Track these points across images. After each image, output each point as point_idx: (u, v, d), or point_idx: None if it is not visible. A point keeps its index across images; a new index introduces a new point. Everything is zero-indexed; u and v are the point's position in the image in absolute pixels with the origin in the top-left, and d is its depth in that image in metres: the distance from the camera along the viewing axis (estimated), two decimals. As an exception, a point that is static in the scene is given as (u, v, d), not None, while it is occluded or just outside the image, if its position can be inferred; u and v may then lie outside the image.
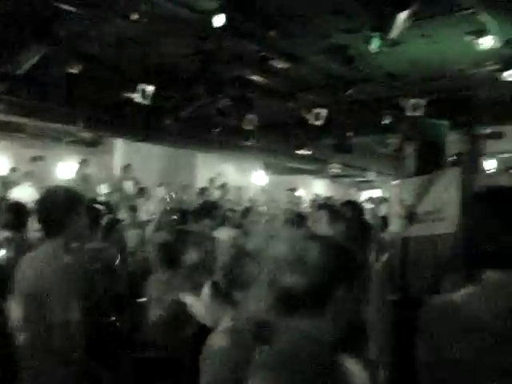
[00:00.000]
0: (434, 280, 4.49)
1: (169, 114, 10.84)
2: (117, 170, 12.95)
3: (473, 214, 1.83)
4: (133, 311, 4.50)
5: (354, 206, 5.39)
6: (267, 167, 17.08)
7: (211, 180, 13.58)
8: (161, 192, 11.18)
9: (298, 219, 6.07)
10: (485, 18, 6.76)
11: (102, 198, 9.87)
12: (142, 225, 7.96)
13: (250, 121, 11.29)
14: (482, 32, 7.38)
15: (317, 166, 16.76)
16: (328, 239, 1.89)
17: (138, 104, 9.43)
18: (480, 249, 1.73)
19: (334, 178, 20.32)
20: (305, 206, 14.57)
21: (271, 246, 2.79)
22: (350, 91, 9.77)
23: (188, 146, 13.04)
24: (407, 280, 5.09)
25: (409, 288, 5.00)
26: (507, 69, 7.97)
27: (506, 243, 1.67)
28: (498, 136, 10.62)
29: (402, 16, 5.43)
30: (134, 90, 9.27)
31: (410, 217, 5.07)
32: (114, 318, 4.36)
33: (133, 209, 8.77)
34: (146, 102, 9.36)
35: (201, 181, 14.07)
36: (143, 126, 10.97)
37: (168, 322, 3.92)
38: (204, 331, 2.52)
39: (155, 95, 9.41)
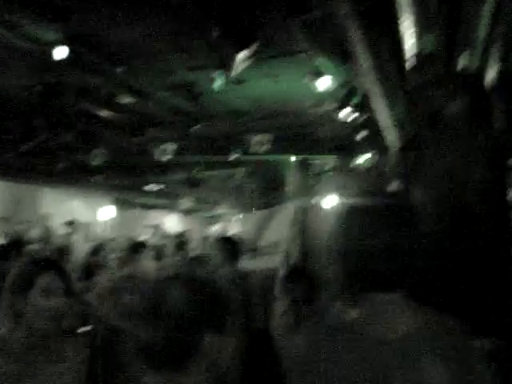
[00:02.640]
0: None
1: (8, 148, 10.30)
2: None
3: (349, 232, 1.69)
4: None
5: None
6: (117, 202, 16.76)
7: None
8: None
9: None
10: (320, 61, 7.20)
11: None
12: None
13: (97, 156, 11.05)
14: (319, 74, 7.85)
15: (167, 201, 16.71)
16: (188, 276, 1.55)
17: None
18: (362, 271, 1.64)
19: (186, 212, 20.36)
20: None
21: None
22: (197, 127, 9.90)
23: (31, 181, 12.46)
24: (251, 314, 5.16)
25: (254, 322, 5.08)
26: (342, 108, 8.48)
27: (387, 264, 1.60)
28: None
29: (242, 56, 5.63)
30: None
31: (251, 250, 5.19)
32: None
33: None
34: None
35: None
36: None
37: None
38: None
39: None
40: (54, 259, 3.09)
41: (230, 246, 4.86)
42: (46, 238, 10.45)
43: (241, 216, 5.77)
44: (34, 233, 11.12)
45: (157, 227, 15.09)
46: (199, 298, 1.48)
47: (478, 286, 3.56)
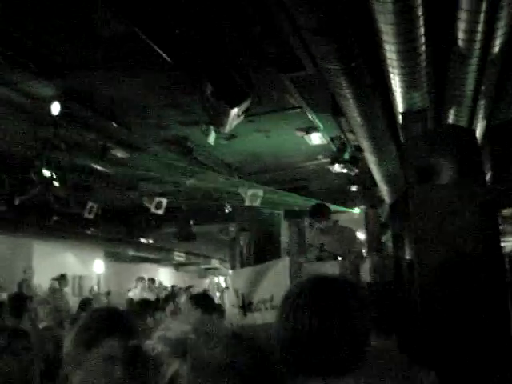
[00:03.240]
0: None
1: (1, 201, 10.25)
2: None
3: (293, 313, 1.58)
4: None
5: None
6: (109, 256, 16.64)
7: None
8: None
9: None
10: (312, 117, 7.30)
11: None
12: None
13: (91, 209, 11.03)
14: (310, 129, 7.94)
15: (160, 255, 16.63)
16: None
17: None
18: (301, 354, 1.54)
19: (179, 265, 20.24)
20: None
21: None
22: (190, 181, 9.92)
23: (24, 234, 12.38)
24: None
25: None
26: (334, 162, 8.54)
27: (328, 348, 1.50)
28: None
29: (234, 112, 5.69)
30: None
31: (245, 306, 5.13)
32: None
33: None
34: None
35: (39, 270, 13.31)
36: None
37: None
38: None
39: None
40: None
41: (206, 303, 4.81)
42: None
43: (233, 270, 5.72)
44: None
45: (149, 280, 14.95)
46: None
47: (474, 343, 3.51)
